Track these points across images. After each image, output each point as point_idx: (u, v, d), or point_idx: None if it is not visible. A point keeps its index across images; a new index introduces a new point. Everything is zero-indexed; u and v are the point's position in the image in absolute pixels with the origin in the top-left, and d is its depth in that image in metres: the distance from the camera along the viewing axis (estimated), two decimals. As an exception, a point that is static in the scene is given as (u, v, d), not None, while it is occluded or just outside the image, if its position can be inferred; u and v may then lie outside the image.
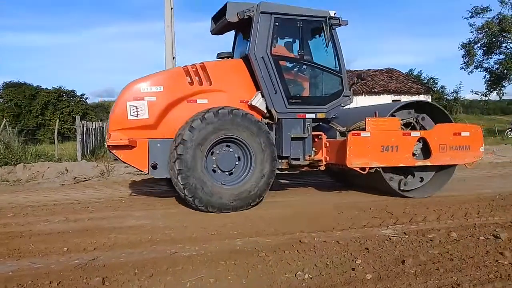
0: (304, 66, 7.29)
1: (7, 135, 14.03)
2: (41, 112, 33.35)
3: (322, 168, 7.12)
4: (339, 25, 7.10)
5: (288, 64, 7.14)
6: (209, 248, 4.45)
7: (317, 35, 7.17)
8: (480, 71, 34.98)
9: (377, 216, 5.90)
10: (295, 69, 7.28)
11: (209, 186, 6.05)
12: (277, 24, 6.72)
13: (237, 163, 6.41)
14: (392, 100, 27.95)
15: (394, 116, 6.98)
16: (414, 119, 7.21)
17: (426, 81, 39.86)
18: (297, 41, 7.06)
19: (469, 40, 34.00)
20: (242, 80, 6.75)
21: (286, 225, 5.42)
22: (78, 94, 38.73)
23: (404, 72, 35.40)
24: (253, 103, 6.68)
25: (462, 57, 34.68)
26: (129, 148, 6.16)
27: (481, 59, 34.52)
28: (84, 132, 15.39)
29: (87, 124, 16.08)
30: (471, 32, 34.87)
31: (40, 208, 6.74)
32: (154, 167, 6.29)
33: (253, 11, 6.68)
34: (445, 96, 41.29)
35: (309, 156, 7.04)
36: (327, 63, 7.16)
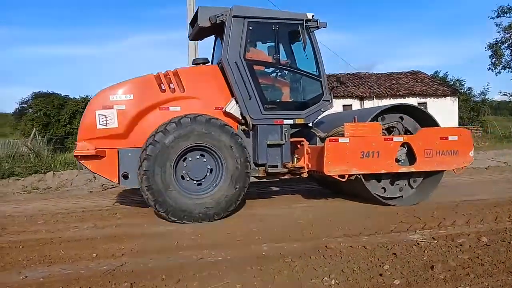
0: (281, 71, 7.09)
1: (37, 144, 14.42)
2: (69, 121, 34.07)
3: (305, 175, 6.83)
4: (317, 27, 6.84)
5: (263, 69, 6.96)
6: (235, 253, 4.47)
7: (294, 39, 6.97)
8: (508, 71, 34.19)
9: (405, 221, 5.81)
10: (271, 74, 7.11)
11: (174, 193, 5.89)
12: (250, 28, 6.54)
13: (208, 174, 6.22)
14: (418, 103, 27.55)
15: (377, 120, 6.75)
16: (398, 124, 6.90)
17: (452, 82, 39.01)
18: (273, 45, 6.81)
19: (496, 40, 33.32)
20: (217, 86, 6.58)
21: (312, 231, 5.39)
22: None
23: (429, 74, 34.81)
24: (227, 110, 6.50)
25: (490, 57, 34.00)
26: (98, 158, 6.05)
27: (509, 59, 33.75)
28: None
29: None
30: (498, 32, 34.15)
31: (70, 215, 6.89)
32: (125, 177, 6.18)
33: (225, 15, 6.54)
34: (472, 98, 40.34)
35: (289, 163, 6.79)
36: (305, 67, 6.98)
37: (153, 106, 6.24)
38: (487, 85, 76.10)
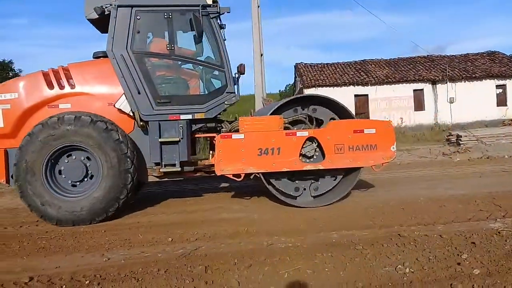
0: (176, 62, 6.42)
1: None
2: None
3: (218, 173, 5.99)
4: (218, 13, 6.25)
5: (155, 61, 6.33)
6: (305, 240, 4.48)
7: (192, 26, 6.15)
8: None
9: (484, 209, 5.50)
10: (164, 66, 6.43)
11: (36, 187, 5.62)
12: (138, 17, 6.05)
13: (85, 177, 5.87)
14: (496, 86, 25.82)
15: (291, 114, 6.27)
16: (305, 117, 6.29)
17: (535, 62, 36.08)
18: (167, 34, 6.25)
19: None
20: (111, 81, 6.08)
21: (382, 219, 5.28)
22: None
23: (508, 54, 32.43)
24: (117, 106, 6.07)
25: None
26: None
27: None
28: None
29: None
30: None
31: (145, 202, 7.24)
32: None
33: (112, 4, 6.06)
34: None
35: (202, 160, 6.48)
36: (206, 57, 6.53)
37: (41, 104, 5.96)
38: None
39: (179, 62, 6.46)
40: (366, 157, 6.06)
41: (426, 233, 4.47)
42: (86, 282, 3.57)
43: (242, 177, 5.93)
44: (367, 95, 25.92)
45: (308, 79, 26.55)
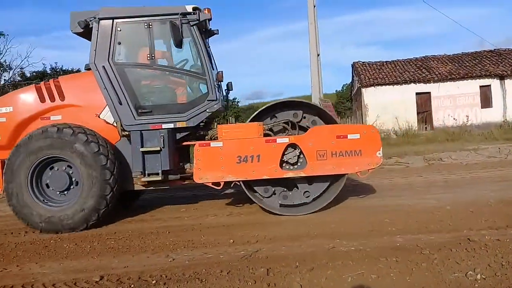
0: (157, 72, 6.42)
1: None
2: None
3: (197, 181, 5.95)
4: (199, 20, 6.12)
5: (136, 72, 6.31)
6: (368, 244, 4.37)
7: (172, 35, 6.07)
8: None
9: None
10: (146, 76, 6.44)
11: (26, 198, 5.78)
12: (119, 29, 6.08)
13: (69, 187, 5.98)
14: None
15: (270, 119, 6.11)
16: (288, 123, 6.12)
17: None
18: (149, 43, 6.18)
19: None
20: (99, 92, 6.13)
21: (450, 222, 5.05)
22: (231, 98, 41.57)
23: None
24: (101, 117, 6.16)
25: None
26: None
27: None
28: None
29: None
30: None
31: (206, 204, 7.40)
32: None
33: (94, 17, 6.14)
34: None
35: (187, 169, 6.41)
36: (187, 65, 6.47)
37: (34, 117, 6.18)
38: None
39: (160, 72, 6.46)
40: (351, 164, 5.81)
41: (498, 238, 4.24)
42: (153, 282, 3.69)
43: (221, 185, 5.88)
44: (429, 92, 24.97)
45: (367, 78, 25.99)
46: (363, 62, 28.54)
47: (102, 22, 6.08)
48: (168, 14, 6.06)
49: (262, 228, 5.38)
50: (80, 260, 4.56)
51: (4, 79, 26.17)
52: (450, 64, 26.38)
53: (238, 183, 5.99)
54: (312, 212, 5.98)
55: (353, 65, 29.23)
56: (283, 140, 5.82)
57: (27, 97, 6.27)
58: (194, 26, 6.11)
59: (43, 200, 5.89)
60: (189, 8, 6.07)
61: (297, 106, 6.19)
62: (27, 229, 6.04)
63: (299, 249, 4.40)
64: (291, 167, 5.98)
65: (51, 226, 5.79)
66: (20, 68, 27.56)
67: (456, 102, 24.70)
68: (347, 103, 39.03)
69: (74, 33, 6.40)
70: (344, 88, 43.90)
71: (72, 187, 5.99)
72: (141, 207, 7.52)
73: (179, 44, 5.95)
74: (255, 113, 6.11)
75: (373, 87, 25.30)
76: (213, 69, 6.45)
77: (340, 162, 5.78)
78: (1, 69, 25.98)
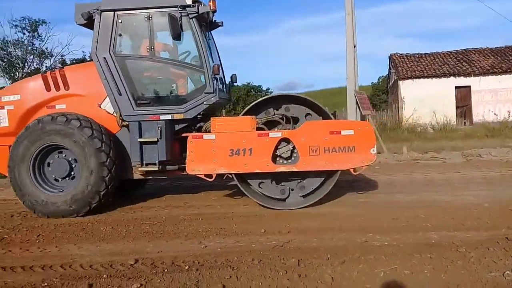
0: (157, 64, 6.46)
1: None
2: (233, 107, 36.70)
3: (189, 173, 6.01)
4: (198, 13, 6.11)
5: (136, 63, 6.39)
6: (402, 239, 4.31)
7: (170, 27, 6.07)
8: None
9: None
10: (145, 68, 6.48)
11: (29, 184, 6.03)
12: (120, 21, 6.15)
13: (70, 173, 6.19)
14: None
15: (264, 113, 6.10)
16: (281, 117, 6.08)
17: None
18: (149, 35, 6.22)
19: None
20: (101, 83, 6.26)
21: (488, 220, 4.92)
22: (264, 88, 41.53)
23: None
24: (102, 107, 6.31)
25: None
26: None
27: None
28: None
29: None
30: None
31: (238, 193, 7.44)
32: None
33: (97, 9, 6.22)
34: None
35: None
36: (186, 57, 6.47)
37: (40, 105, 6.41)
38: None
39: (159, 64, 6.52)
40: (344, 160, 5.71)
41: (540, 238, 4.09)
42: (186, 268, 3.77)
43: (213, 178, 5.86)
44: (469, 86, 24.19)
45: (404, 70, 25.41)
46: (401, 54, 27.89)
47: (104, 14, 6.20)
48: (167, 7, 6.11)
49: (293, 219, 5.38)
50: (116, 243, 4.70)
51: (46, 66, 27.04)
52: (492, 57, 25.44)
53: (230, 176, 6.03)
54: (305, 207, 5.95)
55: (390, 57, 28.60)
56: (276, 134, 5.82)
57: (34, 86, 6.53)
58: (193, 19, 6.14)
59: (44, 185, 6.14)
60: (188, 1, 6.11)
61: (291, 100, 6.20)
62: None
63: (330, 241, 4.38)
64: (285, 162, 5.97)
65: (53, 209, 6.03)
66: (61, 56, 28.44)
67: (498, 97, 23.85)
68: (383, 96, 38.24)
69: (78, 24, 6.56)
70: (380, 80, 42.97)
71: (72, 173, 6.21)
72: (174, 194, 7.66)
73: (177, 37, 6.01)
74: (248, 106, 6.14)
75: (410, 80, 24.72)
76: (212, 62, 6.51)
77: (333, 158, 5.71)
78: (43, 56, 26.83)
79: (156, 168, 6.18)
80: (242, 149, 5.75)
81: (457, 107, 24.32)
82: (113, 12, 6.18)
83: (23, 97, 6.48)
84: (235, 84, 7.37)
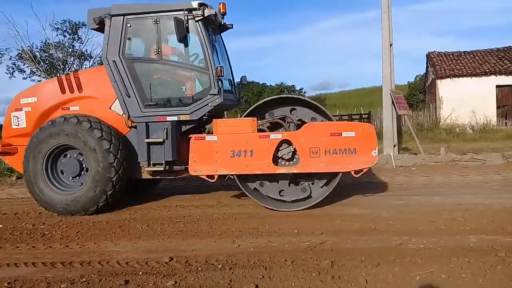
0: (164, 66, 6.53)
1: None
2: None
3: (192, 173, 6.11)
4: (203, 16, 6.17)
5: (144, 66, 6.52)
6: (439, 242, 4.21)
7: (176, 30, 6.14)
8: None
9: None
10: (153, 70, 6.56)
11: (41, 185, 6.33)
12: (129, 25, 6.33)
13: (82, 173, 6.44)
14: None
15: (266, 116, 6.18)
16: (283, 118, 6.13)
17: None
18: (156, 38, 6.31)
19: None
20: (112, 86, 6.47)
21: (531, 224, 4.72)
22: (297, 88, 41.44)
23: None
24: (112, 108, 6.53)
25: None
26: (12, 154, 6.87)
27: None
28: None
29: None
30: None
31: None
32: None
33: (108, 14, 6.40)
34: None
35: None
36: (191, 60, 6.53)
37: (56, 107, 6.69)
38: None
39: (166, 66, 6.61)
40: (344, 162, 5.66)
41: None
42: (219, 266, 3.81)
43: (215, 179, 5.95)
44: (511, 85, 23.27)
45: (442, 68, 24.73)
46: (439, 52, 27.14)
47: (113, 18, 6.40)
48: (174, 10, 6.26)
49: (326, 220, 5.34)
50: (152, 241, 4.80)
51: (85, 67, 27.86)
52: (536, 54, 24.43)
53: (232, 177, 6.08)
54: (307, 208, 5.91)
55: (428, 55, 27.89)
56: (276, 136, 5.85)
57: (50, 89, 6.87)
58: (199, 22, 6.24)
59: (57, 185, 6.42)
60: (194, 4, 6.22)
61: (294, 102, 6.24)
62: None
63: (365, 243, 4.33)
64: (287, 163, 5.98)
65: (64, 208, 6.27)
66: (99, 57, 29.19)
67: (542, 96, 22.87)
68: (420, 95, 37.35)
69: (92, 29, 6.85)
70: (417, 79, 41.98)
71: (83, 173, 6.46)
72: (208, 193, 7.75)
73: (182, 39, 6.14)
74: (250, 108, 6.17)
75: (449, 79, 24.03)
76: (219, 64, 6.64)
77: (333, 160, 5.68)
78: (83, 58, 27.63)
79: (161, 168, 6.35)
80: (244, 150, 5.84)
81: (497, 107, 23.46)
82: (122, 17, 6.39)
83: (39, 99, 6.81)
84: (244, 85, 7.60)
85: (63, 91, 6.71)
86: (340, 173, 5.85)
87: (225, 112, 6.69)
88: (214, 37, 6.85)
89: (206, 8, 6.28)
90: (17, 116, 6.86)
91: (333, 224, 5.14)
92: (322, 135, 5.72)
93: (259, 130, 5.98)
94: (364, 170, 5.78)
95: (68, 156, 6.49)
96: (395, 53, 13.94)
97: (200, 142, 5.96)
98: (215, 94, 6.22)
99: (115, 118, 6.54)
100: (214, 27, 6.83)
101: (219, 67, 6.18)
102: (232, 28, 7.20)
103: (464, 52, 26.66)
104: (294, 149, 5.88)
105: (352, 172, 5.74)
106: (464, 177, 8.44)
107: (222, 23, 6.93)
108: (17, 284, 3.59)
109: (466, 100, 22.84)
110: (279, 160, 5.98)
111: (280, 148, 5.92)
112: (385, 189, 7.32)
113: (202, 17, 6.24)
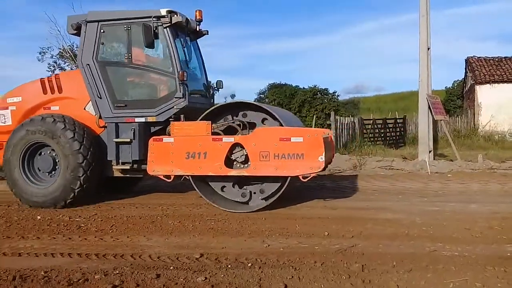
0: (133, 70, 6.96)
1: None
2: (298, 110, 36.61)
3: (150, 173, 6.36)
4: (170, 23, 6.50)
5: (115, 69, 6.88)
6: (473, 250, 4.10)
7: (143, 36, 6.44)
8: None
9: None
10: (123, 73, 6.96)
11: (20, 179, 6.70)
12: (103, 31, 6.73)
13: (56, 167, 6.74)
14: None
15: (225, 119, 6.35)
16: (238, 123, 6.26)
17: None
18: (127, 44, 6.75)
19: None
20: None
21: None
22: (331, 91, 40.98)
23: None
24: (86, 109, 6.88)
25: None
26: None
27: None
28: (338, 127, 16.23)
29: (340, 119, 16.91)
30: None
31: (301, 194, 7.43)
32: None
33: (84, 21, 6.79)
34: None
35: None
36: (159, 64, 6.97)
37: (38, 106, 7.07)
38: None
39: (135, 70, 6.98)
40: (292, 166, 5.76)
41: None
42: (249, 265, 3.82)
43: (172, 178, 6.18)
44: (553, 92, 22.37)
45: (482, 74, 24.02)
46: (479, 57, 26.36)
47: (89, 24, 6.81)
48: (143, 17, 6.58)
49: (357, 223, 5.28)
50: (183, 237, 4.87)
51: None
52: None
53: (188, 178, 6.25)
54: (240, 212, 6.05)
55: (467, 60, 27.13)
56: (229, 139, 6.04)
57: (33, 89, 7.23)
58: (167, 28, 6.57)
59: (32, 181, 6.77)
60: (163, 12, 6.54)
61: (247, 107, 6.38)
62: (137, 204, 6.67)
63: (397, 248, 4.26)
64: (241, 166, 6.13)
65: (37, 201, 6.64)
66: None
67: None
68: (458, 101, 36.29)
69: (70, 33, 7.34)
70: (455, 84, 40.78)
71: (57, 167, 6.76)
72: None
73: (149, 44, 6.44)
74: (205, 112, 6.32)
75: (488, 85, 23.33)
76: (187, 68, 6.91)
77: (282, 164, 5.79)
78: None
79: (129, 167, 6.70)
80: (198, 152, 6.04)
81: (539, 115, 22.58)
82: (97, 23, 6.77)
83: (23, 99, 7.21)
84: (220, 89, 8.06)
85: (45, 91, 7.10)
86: (283, 188, 5.98)
87: (181, 116, 6.89)
88: (187, 43, 7.23)
89: (175, 15, 6.61)
90: (3, 114, 7.29)
91: (364, 228, 5.07)
92: (272, 139, 5.87)
93: (214, 133, 6.14)
94: (311, 175, 5.85)
95: (43, 153, 6.84)
96: (433, 57, 13.65)
97: (158, 144, 6.20)
98: (179, 97, 6.51)
99: (88, 118, 6.91)
100: (187, 33, 7.21)
101: (182, 72, 6.44)
102: (207, 34, 7.61)
103: (504, 57, 25.81)
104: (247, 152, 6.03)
105: (300, 177, 5.87)
106: (502, 186, 8.17)
107: (198, 30, 7.38)
108: (53, 273, 3.71)
109: (506, 107, 22.14)
110: (234, 163, 6.18)
111: (234, 151, 6.11)
112: (419, 195, 7.17)
113: (169, 23, 6.58)
